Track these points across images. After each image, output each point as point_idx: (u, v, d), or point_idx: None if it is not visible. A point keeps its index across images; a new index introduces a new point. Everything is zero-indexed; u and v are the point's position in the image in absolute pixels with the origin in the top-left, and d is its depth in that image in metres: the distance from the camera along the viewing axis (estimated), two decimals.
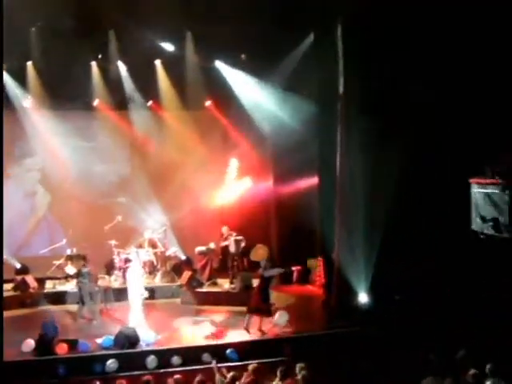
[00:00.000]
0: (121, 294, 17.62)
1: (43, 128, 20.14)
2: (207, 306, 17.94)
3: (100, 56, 19.84)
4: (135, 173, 20.89)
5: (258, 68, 19.39)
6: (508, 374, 10.95)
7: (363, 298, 16.53)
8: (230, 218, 20.07)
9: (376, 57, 15.98)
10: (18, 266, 19.49)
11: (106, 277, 19.06)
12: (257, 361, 12.28)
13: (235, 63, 19.90)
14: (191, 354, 13.91)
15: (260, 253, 17.75)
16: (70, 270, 17.95)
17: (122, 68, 20.20)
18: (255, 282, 16.95)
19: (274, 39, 17.92)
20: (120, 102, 20.63)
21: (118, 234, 19.40)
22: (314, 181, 18.93)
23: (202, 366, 13.19)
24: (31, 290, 18.37)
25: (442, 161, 16.72)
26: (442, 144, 16.61)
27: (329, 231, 17.05)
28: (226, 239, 19.00)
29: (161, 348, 14.15)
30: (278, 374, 10.98)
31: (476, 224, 14.59)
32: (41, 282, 18.78)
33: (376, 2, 15.68)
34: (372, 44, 15.93)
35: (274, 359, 13.31)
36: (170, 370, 13.10)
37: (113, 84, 20.27)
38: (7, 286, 18.04)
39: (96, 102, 20.62)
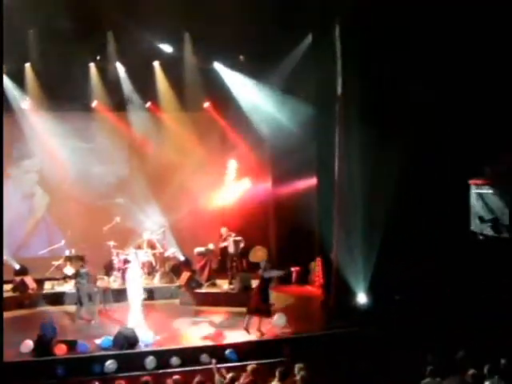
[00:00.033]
0: (120, 294, 17.64)
1: (41, 129, 20.13)
2: (206, 306, 17.94)
3: (98, 57, 19.87)
4: (134, 174, 20.89)
5: (256, 69, 19.42)
6: (507, 374, 10.96)
7: (362, 298, 16.53)
8: (228, 219, 20.08)
9: (375, 57, 15.99)
10: (17, 266, 19.51)
11: (105, 278, 19.06)
12: (256, 361, 12.25)
13: (233, 64, 19.94)
14: (190, 355, 13.91)
15: (259, 254, 17.82)
16: (69, 270, 17.95)
17: (120, 69, 20.24)
18: (254, 283, 16.98)
19: (273, 40, 17.97)
20: (118, 104, 20.66)
21: (117, 235, 19.40)
22: (312, 182, 18.93)
23: (200, 367, 13.22)
24: (30, 291, 18.38)
25: (441, 161, 16.73)
26: (442, 145, 16.62)
27: (327, 232, 17.04)
28: (224, 240, 19.01)
29: (160, 349, 14.15)
30: (277, 374, 10.95)
31: (475, 225, 14.62)
32: (40, 282, 18.78)
33: (374, 2, 15.71)
34: (371, 44, 15.94)
35: (273, 360, 13.32)
36: (169, 370, 13.10)
37: (111, 85, 20.30)
38: (6, 287, 18.00)
39: (94, 104, 20.64)
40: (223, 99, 20.66)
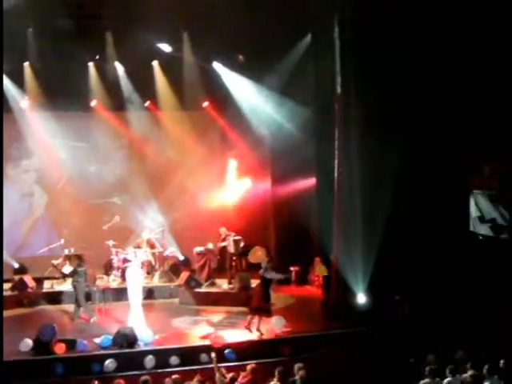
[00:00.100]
0: (119, 293, 17.65)
1: (40, 129, 20.13)
2: (206, 306, 17.91)
3: (97, 57, 19.89)
4: (133, 173, 20.84)
5: (255, 69, 19.40)
6: (506, 374, 10.99)
7: (361, 298, 16.54)
8: (228, 219, 20.09)
9: (374, 57, 16.02)
10: (16, 265, 19.52)
11: (105, 277, 19.07)
12: (255, 361, 12.25)
13: (233, 64, 19.94)
14: (189, 354, 13.89)
15: (258, 255, 17.87)
16: (67, 269, 17.94)
17: (119, 69, 20.28)
18: (254, 283, 16.99)
19: (272, 40, 17.96)
20: (117, 103, 20.71)
21: (116, 234, 19.39)
22: (312, 181, 18.95)
23: (199, 366, 13.21)
24: (29, 290, 18.35)
25: (440, 162, 16.75)
26: (441, 145, 16.65)
27: (327, 232, 17.05)
28: (223, 240, 19.00)
29: (159, 348, 14.13)
30: (276, 374, 10.99)
31: (474, 225, 14.66)
32: (39, 281, 18.76)
33: (374, 2, 15.75)
34: (370, 44, 15.97)
35: (272, 359, 13.33)
36: (168, 369, 13.08)
37: (110, 85, 20.35)
38: (5, 286, 17.99)
39: (93, 103, 20.66)
40: (222, 98, 20.70)
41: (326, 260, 17.70)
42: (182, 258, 20.24)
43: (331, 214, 16.83)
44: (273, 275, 15.94)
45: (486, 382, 10.77)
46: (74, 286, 16.53)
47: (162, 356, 13.69)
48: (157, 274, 19.49)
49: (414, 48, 15.94)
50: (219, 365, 11.65)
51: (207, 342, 14.33)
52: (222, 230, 19.10)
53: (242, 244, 18.67)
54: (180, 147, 20.94)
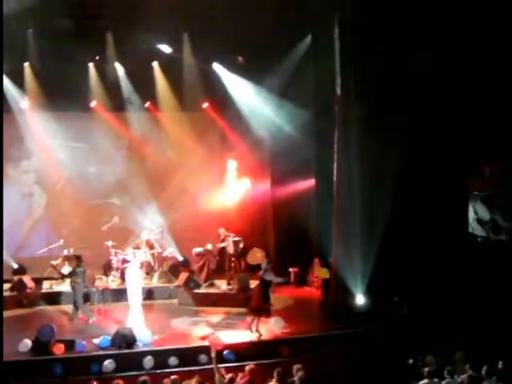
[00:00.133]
0: (118, 294, 17.66)
1: (40, 129, 20.14)
2: (205, 306, 17.89)
3: (97, 57, 19.89)
4: (133, 174, 20.83)
5: (255, 70, 19.40)
6: (505, 375, 11.00)
7: (360, 299, 16.53)
8: (227, 220, 20.09)
9: (374, 57, 16.02)
10: (15, 266, 19.52)
11: (104, 277, 19.08)
12: (254, 362, 12.23)
13: (233, 65, 19.94)
14: (188, 355, 13.90)
15: (257, 256, 17.89)
16: (66, 269, 17.94)
17: (119, 69, 20.28)
18: (253, 283, 17.00)
19: (272, 40, 17.97)
20: (117, 104, 20.72)
21: (116, 235, 19.41)
22: (311, 182, 18.94)
23: (198, 367, 13.21)
24: (28, 291, 18.34)
25: (440, 163, 16.75)
26: (441, 146, 16.65)
27: (326, 233, 17.05)
28: (223, 241, 19.01)
29: (158, 348, 14.13)
30: (275, 375, 10.99)
31: (473, 226, 14.65)
32: (38, 282, 18.75)
33: (374, 2, 15.75)
34: (370, 44, 15.97)
35: (271, 360, 13.33)
36: (167, 370, 13.08)
37: (110, 85, 20.35)
38: (4, 287, 17.99)
39: (93, 104, 20.66)
40: (222, 99, 20.69)
41: (324, 261, 17.67)
42: (181, 258, 20.23)
43: (330, 215, 16.83)
44: (272, 277, 15.95)
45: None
46: (73, 287, 16.50)
47: (160, 357, 13.69)
48: (156, 275, 19.48)
49: (413, 48, 15.93)
50: (218, 365, 11.65)
51: (206, 343, 14.33)
52: (222, 231, 19.11)
53: (241, 245, 18.69)
54: (180, 148, 20.95)
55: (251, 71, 19.62)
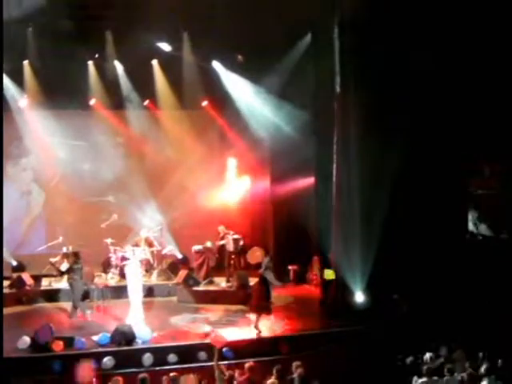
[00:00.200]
0: (117, 291, 17.70)
1: (39, 127, 20.13)
2: (204, 304, 17.92)
3: (97, 55, 19.88)
4: (132, 172, 20.81)
5: (255, 69, 19.38)
6: (504, 374, 11.02)
7: (360, 297, 16.54)
8: (226, 217, 20.12)
9: (373, 56, 16.03)
10: (14, 263, 19.50)
11: (103, 275, 19.10)
12: (253, 359, 12.25)
13: (232, 63, 19.94)
14: (187, 352, 13.91)
15: (257, 255, 17.91)
16: (64, 266, 17.94)
17: (118, 68, 20.26)
18: (252, 281, 17.01)
19: (272, 39, 17.97)
20: (117, 102, 20.70)
21: (115, 233, 19.44)
22: (311, 181, 18.95)
23: (197, 364, 13.24)
24: (27, 288, 18.36)
25: (440, 162, 16.77)
26: (441, 146, 16.67)
27: (326, 231, 17.06)
28: (222, 238, 19.05)
29: (157, 346, 14.15)
30: (274, 372, 11.01)
31: (473, 225, 14.66)
32: (37, 279, 18.75)
33: (374, 1, 15.76)
34: (369, 44, 15.98)
35: (270, 357, 13.35)
36: (166, 367, 13.11)
37: (109, 83, 20.33)
38: (4, 284, 17.97)
39: (93, 102, 20.66)
40: (221, 98, 20.69)
41: (324, 259, 17.67)
42: (180, 256, 20.25)
43: (330, 213, 16.84)
44: (271, 279, 15.98)
45: (483, 382, 10.80)
46: (70, 284, 16.52)
47: (160, 354, 13.73)
48: (155, 273, 19.52)
49: (413, 48, 15.94)
50: (220, 363, 11.67)
51: (206, 341, 14.33)
52: (221, 229, 19.14)
53: (241, 243, 18.73)
54: (179, 146, 20.95)
55: (251, 70, 19.61)
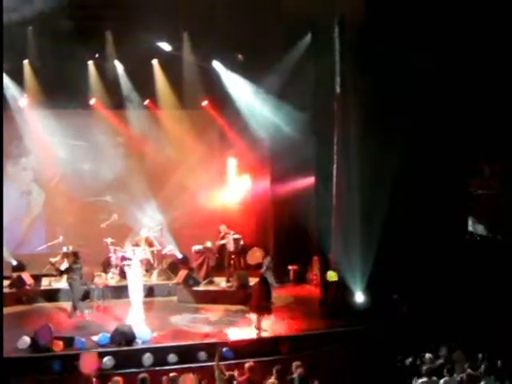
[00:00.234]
0: (117, 291, 17.70)
1: (39, 127, 20.12)
2: (204, 304, 17.92)
3: (97, 55, 19.88)
4: (132, 172, 20.79)
5: (255, 69, 19.37)
6: (503, 374, 11.02)
7: (360, 297, 16.55)
8: (227, 217, 20.11)
9: (374, 56, 16.03)
10: (14, 263, 19.48)
11: (103, 274, 19.10)
12: (253, 359, 12.25)
13: (232, 63, 19.93)
14: (187, 352, 13.91)
15: (257, 255, 17.92)
16: (64, 266, 17.94)
17: (119, 67, 20.26)
18: (252, 281, 17.01)
19: (272, 39, 17.98)
20: (117, 101, 20.67)
21: (115, 232, 19.42)
22: (311, 180, 18.95)
23: (197, 364, 13.23)
24: (27, 287, 18.35)
25: (440, 162, 16.77)
26: (441, 146, 16.67)
27: (326, 230, 17.07)
28: (223, 238, 19.05)
29: (157, 346, 14.15)
30: (274, 372, 11.00)
31: (472, 225, 14.66)
32: (37, 279, 18.75)
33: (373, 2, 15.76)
34: (370, 43, 15.99)
35: (270, 357, 13.35)
36: (166, 367, 13.11)
37: (110, 83, 20.32)
38: (4, 283, 17.95)
39: (93, 101, 20.64)
40: (221, 98, 20.67)
41: (324, 259, 17.68)
42: (180, 256, 20.23)
43: (330, 213, 16.85)
44: (271, 280, 15.98)
45: (482, 382, 10.80)
46: (70, 283, 16.53)
47: (160, 354, 13.72)
48: (155, 272, 19.51)
49: (413, 48, 15.95)
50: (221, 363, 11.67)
51: (207, 340, 14.35)
52: (222, 228, 19.15)
53: (241, 242, 18.73)
54: (179, 146, 20.94)
55: (251, 70, 19.59)
